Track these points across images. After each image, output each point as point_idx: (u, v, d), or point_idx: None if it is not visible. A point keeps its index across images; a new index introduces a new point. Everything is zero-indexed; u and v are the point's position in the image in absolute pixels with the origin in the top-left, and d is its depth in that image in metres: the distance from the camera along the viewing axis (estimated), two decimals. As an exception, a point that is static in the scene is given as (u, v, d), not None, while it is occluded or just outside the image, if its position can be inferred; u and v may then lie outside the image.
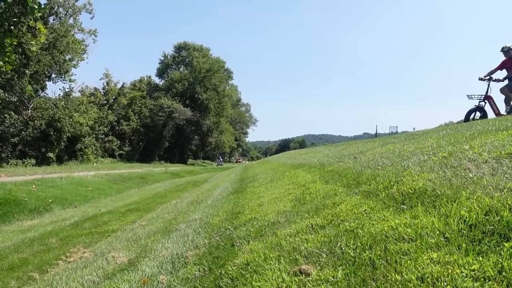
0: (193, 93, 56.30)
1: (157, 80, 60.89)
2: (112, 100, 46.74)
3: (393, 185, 3.11)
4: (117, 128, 44.54)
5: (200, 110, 55.51)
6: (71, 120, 31.86)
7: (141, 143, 48.29)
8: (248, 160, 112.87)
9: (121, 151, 43.75)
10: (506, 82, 8.82)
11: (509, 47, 8.91)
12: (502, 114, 8.69)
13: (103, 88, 47.35)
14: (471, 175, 2.59)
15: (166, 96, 52.29)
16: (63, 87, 36.51)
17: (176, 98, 52.55)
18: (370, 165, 4.65)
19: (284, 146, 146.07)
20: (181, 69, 60.38)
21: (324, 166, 6.40)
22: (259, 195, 5.81)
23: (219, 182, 14.34)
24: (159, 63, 62.01)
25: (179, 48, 61.23)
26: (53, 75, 33.53)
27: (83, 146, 34.11)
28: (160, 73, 61.59)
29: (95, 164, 33.51)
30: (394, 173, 3.57)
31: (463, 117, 9.48)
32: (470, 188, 2.30)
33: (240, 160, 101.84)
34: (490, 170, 2.58)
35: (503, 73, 9.02)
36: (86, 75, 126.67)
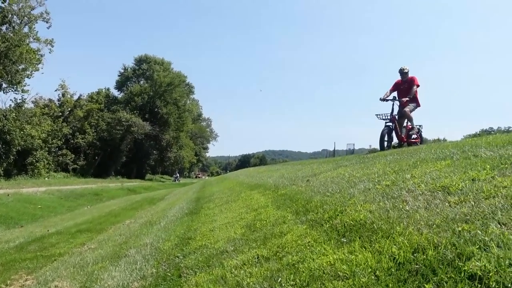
0: (153, 107, 55.53)
1: (116, 92, 59.63)
2: (68, 112, 45.17)
3: (338, 215, 3.22)
4: (72, 141, 43.01)
5: (159, 125, 54.74)
6: (22, 132, 30.47)
7: (97, 157, 46.82)
8: (208, 175, 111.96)
9: (76, 165, 42.20)
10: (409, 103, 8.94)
11: (407, 69, 9.13)
12: (404, 141, 9.13)
13: (58, 100, 45.65)
14: (407, 208, 2.74)
15: (125, 109, 51.22)
16: (14, 98, 34.87)
17: (135, 111, 51.59)
18: (320, 190, 4.78)
19: (244, 161, 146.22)
20: (141, 82, 59.48)
21: (278, 189, 6.49)
22: (212, 218, 5.80)
23: (176, 200, 14.15)
24: (119, 76, 60.85)
25: (140, 61, 60.41)
26: (4, 85, 32.04)
27: (34, 160, 32.64)
28: (119, 85, 60.35)
29: (46, 179, 32.14)
30: (340, 202, 3.70)
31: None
32: (404, 223, 2.43)
33: (200, 176, 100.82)
34: (425, 203, 2.74)
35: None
36: (41, 86, 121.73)
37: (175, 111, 57.97)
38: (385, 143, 8.99)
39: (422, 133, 9.50)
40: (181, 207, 9.74)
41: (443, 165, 3.83)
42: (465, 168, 3.37)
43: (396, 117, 9.03)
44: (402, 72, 9.15)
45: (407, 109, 8.80)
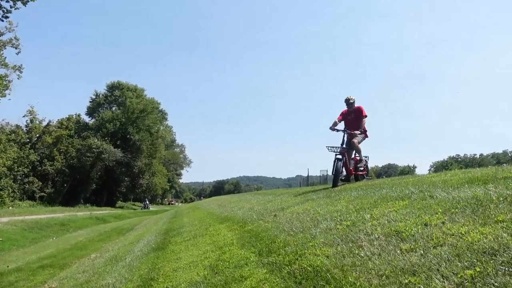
0: (125, 133, 54.79)
1: (87, 119, 58.72)
2: (36, 139, 44.01)
3: (297, 259, 3.25)
4: (40, 168, 41.75)
5: (131, 151, 53.94)
6: (-15, 160, 29.45)
7: (65, 185, 45.50)
8: (182, 202, 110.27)
9: (43, 193, 40.83)
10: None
11: (352, 99, 8.88)
12: (352, 173, 8.87)
13: (26, 126, 44.51)
14: (362, 254, 2.80)
15: (96, 136, 50.35)
16: (-22, 124, 33.90)
17: (106, 138, 50.74)
18: (285, 228, 4.81)
19: (218, 187, 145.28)
20: (114, 108, 58.82)
21: (246, 224, 6.48)
22: (178, 255, 5.71)
23: (145, 232, 13.84)
24: (90, 102, 60.03)
25: (112, 87, 59.92)
26: (-32, 111, 31.03)
27: (-2, 189, 31.45)
28: (91, 112, 59.48)
29: (11, 208, 30.88)
30: (301, 243, 3.74)
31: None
32: (357, 272, 2.48)
33: (173, 202, 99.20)
34: (379, 249, 2.81)
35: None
36: (8, 112, 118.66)
37: (148, 138, 57.38)
38: (339, 180, 8.62)
39: (368, 164, 9.52)
40: (149, 240, 9.53)
41: (401, 206, 3.95)
42: (420, 210, 3.48)
43: (346, 149, 8.71)
44: (348, 102, 8.91)
45: (355, 140, 8.58)
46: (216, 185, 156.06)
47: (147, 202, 58.43)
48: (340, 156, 8.48)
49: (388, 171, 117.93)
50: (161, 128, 68.58)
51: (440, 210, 3.26)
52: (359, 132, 8.54)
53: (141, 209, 54.19)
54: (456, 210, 3.13)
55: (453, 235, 2.60)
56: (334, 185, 8.51)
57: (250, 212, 8.32)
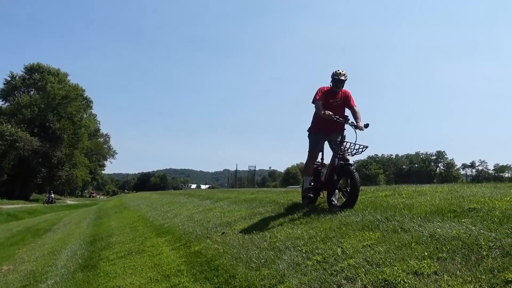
0: (44, 121, 50.50)
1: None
2: None
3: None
4: None
5: (51, 141, 49.85)
6: None
7: (-30, 175, 40.97)
8: (104, 194, 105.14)
9: None
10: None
11: (346, 76, 5.99)
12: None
13: None
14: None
15: (10, 122, 45.90)
16: None
17: (22, 125, 46.46)
18: (241, 255, 4.34)
19: (144, 180, 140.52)
20: (32, 93, 54.09)
21: (191, 242, 5.91)
22: (114, 282, 4.99)
23: (67, 236, 12.56)
24: (4, 84, 54.56)
25: (31, 70, 55.01)
26: None
27: None
28: (5, 95, 54.13)
29: None
30: (269, 285, 3.32)
31: None
32: None
33: (94, 195, 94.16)
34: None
35: None
36: None
37: (70, 127, 53.46)
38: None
39: None
40: (73, 251, 8.54)
41: (374, 239, 3.67)
42: (401, 250, 3.21)
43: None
44: (338, 79, 5.93)
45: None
46: (141, 178, 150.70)
47: (52, 195, 46.56)
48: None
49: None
50: (85, 116, 64.48)
51: (425, 253, 3.00)
52: (364, 124, 5.80)
53: (44, 203, 43.08)
54: (445, 255, 2.89)
55: (458, 295, 2.32)
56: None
57: (191, 223, 7.74)
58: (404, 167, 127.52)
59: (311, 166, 6.26)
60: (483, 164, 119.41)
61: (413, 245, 3.25)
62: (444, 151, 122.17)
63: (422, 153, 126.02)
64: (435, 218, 3.86)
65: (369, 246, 3.53)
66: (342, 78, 5.94)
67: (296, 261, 3.69)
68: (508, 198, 4.21)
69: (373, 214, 4.58)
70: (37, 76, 53.89)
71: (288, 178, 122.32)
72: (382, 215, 4.40)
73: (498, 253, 2.72)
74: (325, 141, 6.21)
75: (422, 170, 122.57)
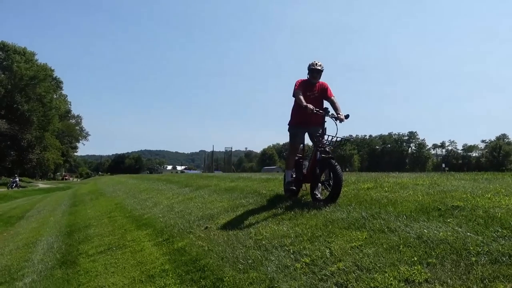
0: (12, 102, 48.75)
1: (-38, 82, 50.93)
2: None
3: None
4: None
5: (19, 123, 48.28)
6: None
7: None
8: (77, 177, 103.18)
9: None
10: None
11: (322, 67, 6.04)
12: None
13: None
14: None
15: (-25, 103, 44.05)
16: None
17: (-12, 107, 44.71)
18: (228, 254, 4.30)
19: (118, 162, 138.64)
20: (-3, 73, 51.86)
21: (173, 237, 5.83)
22: (96, 282, 4.88)
23: (41, 225, 12.25)
24: (-33, 63, 52.10)
25: (-4, 49, 52.62)
26: None
27: None
28: (-32, 74, 51.73)
29: None
30: (260, 289, 3.29)
31: None
32: None
33: (67, 178, 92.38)
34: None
35: None
36: None
37: (39, 109, 51.83)
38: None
39: None
40: (49, 243, 8.33)
41: (361, 240, 3.69)
42: (390, 253, 3.23)
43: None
44: (314, 70, 5.98)
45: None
46: (116, 159, 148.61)
47: (17, 179, 43.63)
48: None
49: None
50: (55, 97, 62.49)
51: (415, 258, 3.03)
52: (345, 115, 5.82)
53: (8, 187, 40.18)
54: (434, 260, 2.92)
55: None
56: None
57: (172, 215, 7.65)
58: (377, 147, 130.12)
59: (292, 160, 6.30)
60: (452, 144, 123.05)
61: (401, 247, 3.28)
62: (416, 132, 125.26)
63: (394, 134, 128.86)
64: (420, 217, 3.90)
65: (357, 247, 3.55)
66: (319, 68, 6.00)
67: (284, 263, 3.67)
68: (489, 195, 4.30)
69: (358, 210, 4.60)
70: (1, 55, 51.60)
71: (265, 158, 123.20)
72: (367, 212, 4.43)
73: (487, 259, 2.76)
74: (305, 133, 6.26)
75: (395, 150, 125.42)
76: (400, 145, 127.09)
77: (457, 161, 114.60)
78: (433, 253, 3.04)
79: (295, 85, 6.08)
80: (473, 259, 2.81)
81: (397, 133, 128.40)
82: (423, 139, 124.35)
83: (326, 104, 6.15)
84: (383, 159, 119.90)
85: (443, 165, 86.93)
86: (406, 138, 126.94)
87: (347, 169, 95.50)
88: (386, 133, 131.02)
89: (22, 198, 31.87)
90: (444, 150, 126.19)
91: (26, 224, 13.93)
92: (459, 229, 3.38)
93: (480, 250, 2.91)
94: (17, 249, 8.96)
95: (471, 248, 2.96)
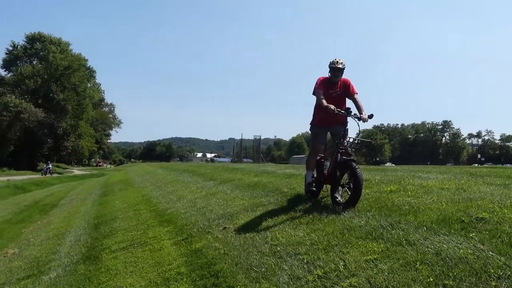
0: (48, 92, 50.39)
1: (2, 72, 53.09)
2: None
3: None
4: None
5: (55, 112, 49.93)
6: None
7: (-23, 146, 41.29)
8: (110, 163, 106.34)
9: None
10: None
11: (343, 64, 5.75)
12: None
13: None
14: None
15: (14, 92, 45.76)
16: None
17: (26, 96, 46.45)
18: (242, 260, 4.27)
19: (150, 149, 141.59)
20: (34, 63, 53.60)
21: (192, 237, 5.86)
22: (114, 281, 4.97)
23: (72, 214, 12.66)
24: (6, 54, 54.13)
25: (33, 39, 54.35)
26: None
27: None
28: (7, 65, 53.78)
29: None
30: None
31: None
32: None
33: (101, 164, 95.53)
34: None
35: None
36: None
37: (74, 98, 53.39)
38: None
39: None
40: (77, 236, 8.58)
41: (377, 253, 3.56)
42: (405, 270, 3.09)
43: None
44: (336, 68, 5.74)
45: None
46: (147, 147, 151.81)
47: (49, 166, 45.04)
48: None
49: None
50: (89, 86, 64.19)
51: (431, 278, 2.88)
52: (368, 115, 5.63)
53: (42, 174, 41.89)
54: (451, 282, 2.77)
55: None
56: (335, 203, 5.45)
57: (194, 211, 7.71)
58: (409, 136, 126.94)
59: (313, 161, 6.15)
60: (489, 134, 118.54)
61: (418, 264, 3.14)
62: (450, 121, 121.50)
63: (428, 123, 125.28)
64: (441, 229, 3.73)
65: (372, 261, 3.43)
66: (340, 66, 5.75)
67: (296, 274, 3.60)
68: (518, 207, 4.05)
69: (377, 218, 4.45)
70: (38, 46, 53.28)
71: (294, 147, 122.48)
72: (386, 221, 4.28)
73: (508, 285, 2.59)
74: (327, 133, 6.10)
75: (428, 139, 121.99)
76: (434, 134, 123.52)
77: (494, 152, 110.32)
78: (451, 273, 2.89)
79: (316, 83, 5.90)
80: (493, 284, 2.64)
81: (430, 122, 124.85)
82: (458, 129, 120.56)
83: (348, 103, 5.97)
84: (416, 149, 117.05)
85: (479, 156, 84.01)
86: (440, 127, 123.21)
87: (377, 159, 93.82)
88: (419, 122, 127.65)
89: (58, 184, 33.18)
90: (480, 140, 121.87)
91: (59, 212, 14.45)
92: (481, 246, 3.20)
93: (501, 273, 2.73)
94: (47, 240, 9.29)
95: (492, 271, 2.78)
